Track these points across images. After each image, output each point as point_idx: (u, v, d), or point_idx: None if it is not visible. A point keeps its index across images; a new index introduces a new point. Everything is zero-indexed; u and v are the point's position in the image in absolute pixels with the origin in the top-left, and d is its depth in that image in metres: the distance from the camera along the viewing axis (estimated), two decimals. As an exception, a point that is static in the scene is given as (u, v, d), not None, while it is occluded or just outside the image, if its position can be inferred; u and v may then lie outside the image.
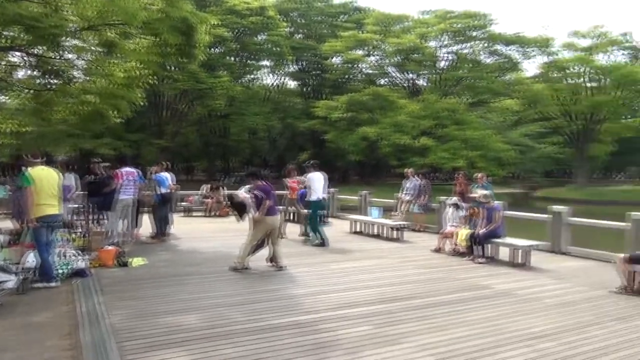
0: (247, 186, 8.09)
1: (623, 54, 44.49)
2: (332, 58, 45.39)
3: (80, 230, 9.31)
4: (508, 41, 40.57)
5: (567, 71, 41.52)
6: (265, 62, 47.03)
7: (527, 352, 4.35)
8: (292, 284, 6.92)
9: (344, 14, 51.26)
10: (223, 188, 16.89)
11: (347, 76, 48.54)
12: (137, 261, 8.05)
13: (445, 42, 42.44)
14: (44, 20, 7.88)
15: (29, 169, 6.35)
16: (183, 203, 16.00)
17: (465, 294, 6.38)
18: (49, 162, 9.67)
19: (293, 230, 11.55)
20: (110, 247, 8.13)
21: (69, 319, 5.16)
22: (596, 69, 40.41)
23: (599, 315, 5.51)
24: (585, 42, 43.01)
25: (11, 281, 5.55)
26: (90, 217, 9.49)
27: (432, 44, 42.32)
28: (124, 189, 9.55)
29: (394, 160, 35.76)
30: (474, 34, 40.91)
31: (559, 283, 7.14)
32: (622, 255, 6.81)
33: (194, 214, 15.70)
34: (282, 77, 52.30)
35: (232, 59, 40.01)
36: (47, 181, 6.32)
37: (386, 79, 48.33)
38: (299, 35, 50.06)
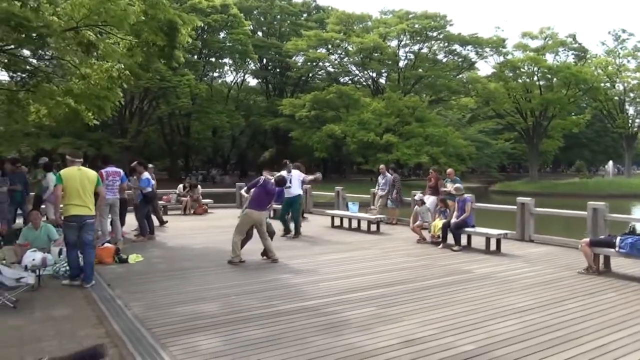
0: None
1: (570, 54, 47.03)
2: (295, 56, 45.77)
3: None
4: (464, 42, 42.16)
5: (520, 70, 43.53)
6: (227, 60, 46.95)
7: (516, 324, 4.96)
8: (290, 274, 7.34)
9: (305, 13, 51.83)
10: (199, 186, 17.05)
11: (310, 74, 49.09)
12: (133, 258, 8.25)
13: (405, 42, 43.64)
14: (33, 19, 7.90)
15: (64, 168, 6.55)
16: (159, 202, 16.02)
17: (450, 278, 7.00)
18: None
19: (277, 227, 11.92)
20: (107, 245, 8.29)
21: (91, 311, 5.41)
22: (546, 69, 42.59)
23: (571, 292, 6.23)
24: (535, 43, 45.28)
25: (29, 277, 5.71)
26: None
27: (393, 43, 43.44)
28: (108, 188, 9.64)
29: (359, 157, 36.62)
30: (433, 34, 42.29)
31: (530, 266, 7.87)
32: (585, 240, 7.63)
33: (170, 212, 15.77)
34: (244, 75, 52.33)
35: (196, 57, 39.71)
36: (78, 181, 6.44)
37: (348, 78, 49.19)
38: (260, 33, 50.18)
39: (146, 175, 11.09)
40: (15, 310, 5.35)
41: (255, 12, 48.10)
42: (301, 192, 11.92)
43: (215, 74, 49.39)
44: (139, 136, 41.93)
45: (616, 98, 48.91)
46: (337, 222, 13.05)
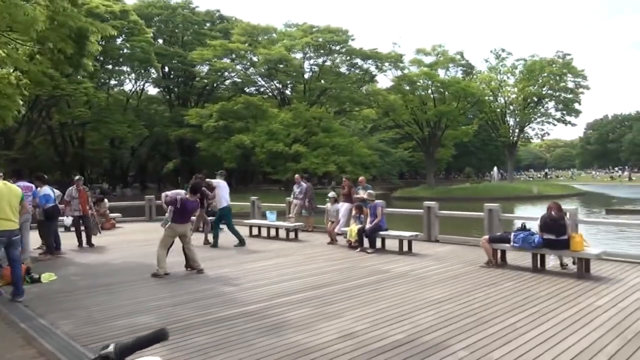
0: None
1: (459, 70, 51.37)
2: (199, 66, 45.01)
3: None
4: (365, 56, 44.31)
5: (416, 84, 46.65)
6: (126, 68, 44.90)
7: (435, 313, 5.56)
8: (220, 282, 7.43)
9: (209, 22, 51.20)
10: (105, 200, 16.23)
11: (215, 84, 48.50)
12: (47, 276, 7.80)
13: (310, 55, 44.86)
14: None
15: None
16: (62, 217, 15.01)
17: (372, 278, 7.54)
18: None
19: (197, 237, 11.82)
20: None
21: (15, 332, 5.13)
22: (439, 83, 46.11)
23: (476, 284, 7.04)
24: (429, 59, 48.82)
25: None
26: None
27: (298, 55, 44.45)
28: (23, 204, 9.02)
29: (269, 167, 36.88)
30: (336, 47, 43.94)
31: (439, 263, 8.69)
32: (485, 237, 8.61)
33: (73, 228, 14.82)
34: (144, 84, 50.36)
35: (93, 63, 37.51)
36: (6, 196, 6.27)
37: (254, 88, 49.36)
38: (161, 41, 48.67)
39: (45, 190, 10.38)
40: None
41: (155, 20, 46.59)
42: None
43: (113, 82, 46.94)
44: (27, 148, 38.55)
45: (498, 110, 54.26)
46: (254, 231, 13.22)
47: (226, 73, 45.84)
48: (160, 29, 47.61)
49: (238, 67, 44.87)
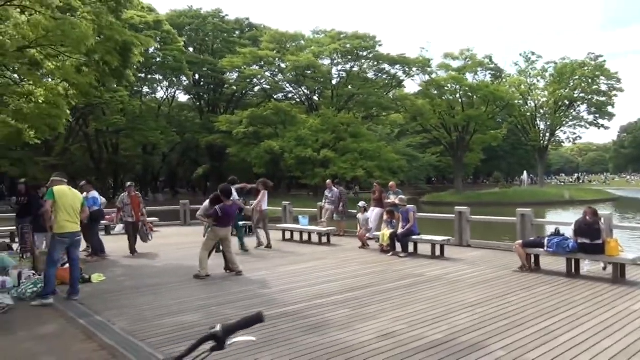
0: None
1: (487, 74, 50.87)
2: (228, 73, 45.89)
3: (22, 251, 9.27)
4: (393, 61, 44.36)
5: (444, 89, 46.44)
6: (158, 76, 46.12)
7: (470, 316, 5.72)
8: (258, 284, 7.73)
9: (239, 30, 52.15)
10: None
11: (244, 91, 49.34)
12: (96, 277, 8.26)
13: (337, 61, 45.19)
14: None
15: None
16: (102, 222, 15.65)
17: (407, 281, 7.72)
18: None
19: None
20: (67, 266, 8.22)
21: (75, 328, 5.53)
22: (467, 87, 45.79)
23: (509, 288, 7.14)
24: (456, 64, 48.54)
25: (5, 298, 5.71)
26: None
27: (326, 62, 44.84)
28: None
29: (298, 172, 37.31)
30: (363, 53, 44.15)
31: (472, 268, 8.80)
32: (518, 242, 8.68)
33: (114, 232, 15.43)
34: (175, 91, 51.62)
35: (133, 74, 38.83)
36: (70, 199, 6.79)
37: (282, 94, 49.98)
38: (191, 49, 49.81)
39: (94, 193, 11.00)
40: (-5, 331, 5.36)
41: (187, 28, 47.77)
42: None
43: (146, 90, 48.25)
44: (65, 154, 40.01)
45: (528, 114, 53.40)
46: (287, 235, 13.53)
47: (255, 80, 46.58)
48: (191, 37, 48.74)
49: (267, 74, 45.56)
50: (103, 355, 4.67)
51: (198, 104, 53.91)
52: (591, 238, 7.52)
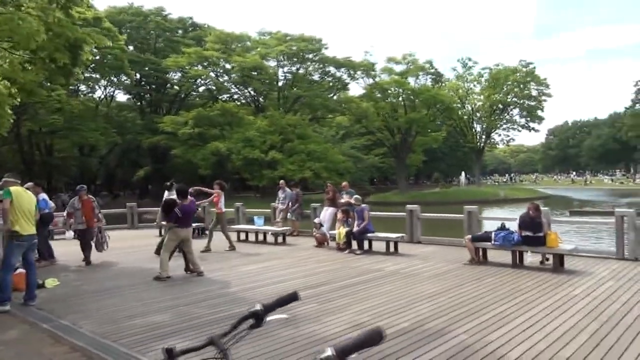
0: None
1: (428, 78, 52.81)
2: (172, 73, 44.86)
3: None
4: (338, 64, 45.13)
5: (388, 92, 47.75)
6: (96, 75, 44.31)
7: (431, 305, 6.09)
8: (220, 284, 7.77)
9: (182, 29, 51.07)
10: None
11: (188, 91, 48.39)
12: (50, 282, 7.98)
13: (283, 62, 45.34)
14: None
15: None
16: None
17: (366, 276, 8.04)
18: None
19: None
20: (20, 270, 7.88)
21: (40, 332, 5.38)
22: (409, 91, 47.34)
23: (463, 279, 7.62)
24: (399, 68, 50.04)
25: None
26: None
27: (272, 63, 44.86)
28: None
29: (245, 174, 37.08)
30: (309, 56, 44.58)
31: (425, 262, 9.26)
32: (468, 236, 9.24)
33: (57, 237, 14.79)
34: (114, 91, 49.80)
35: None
36: (26, 201, 6.58)
37: (227, 95, 49.46)
38: (131, 47, 48.26)
39: (43, 196, 10.58)
40: (-48, 340, 5.12)
41: (127, 26, 46.22)
42: None
43: (83, 89, 46.24)
44: (-6, 156, 37.63)
45: (466, 117, 56.00)
46: (242, 236, 13.53)
47: (200, 80, 45.83)
48: (132, 35, 47.17)
49: (211, 74, 44.93)
50: (76, 357, 4.61)
51: (139, 103, 52.32)
52: (534, 231, 8.17)
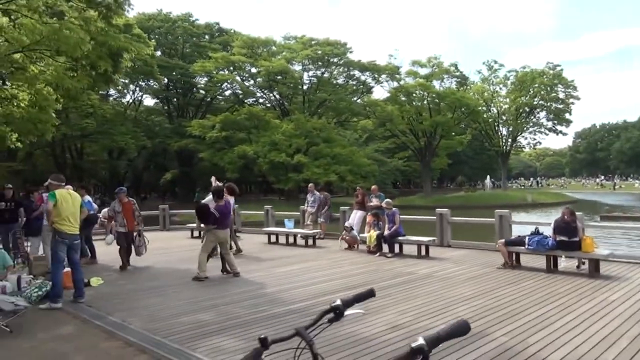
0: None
1: (453, 81, 52.46)
2: (198, 77, 45.69)
3: (16, 257, 9.20)
4: (363, 68, 45.19)
5: (412, 95, 47.59)
6: (127, 80, 45.41)
7: (469, 307, 6.17)
8: (258, 285, 7.98)
9: (208, 35, 51.93)
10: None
11: (214, 95, 49.16)
12: (95, 281, 8.31)
13: (309, 67, 45.66)
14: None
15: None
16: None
17: (401, 279, 8.14)
18: None
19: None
20: (66, 269, 8.24)
21: (94, 328, 5.66)
22: (434, 94, 47.07)
23: (498, 283, 7.66)
24: (424, 71, 49.83)
25: (22, 301, 5.78)
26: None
27: (297, 67, 45.23)
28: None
29: (272, 177, 37.48)
30: (334, 60, 44.79)
31: (458, 266, 9.30)
32: (501, 240, 9.25)
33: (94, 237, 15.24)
34: (142, 95, 50.92)
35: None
36: (71, 202, 6.91)
37: (253, 99, 50.05)
38: (159, 53, 49.29)
39: (87, 198, 10.99)
40: (13, 334, 5.42)
41: (156, 32, 47.25)
42: None
43: (113, 93, 47.41)
44: (29, 159, 38.85)
45: (491, 120, 55.40)
46: (272, 238, 13.76)
47: (226, 84, 46.51)
48: (160, 41, 48.19)
49: (237, 78, 45.56)
50: (131, 351, 4.86)
51: (166, 107, 53.32)
52: (569, 236, 8.15)
